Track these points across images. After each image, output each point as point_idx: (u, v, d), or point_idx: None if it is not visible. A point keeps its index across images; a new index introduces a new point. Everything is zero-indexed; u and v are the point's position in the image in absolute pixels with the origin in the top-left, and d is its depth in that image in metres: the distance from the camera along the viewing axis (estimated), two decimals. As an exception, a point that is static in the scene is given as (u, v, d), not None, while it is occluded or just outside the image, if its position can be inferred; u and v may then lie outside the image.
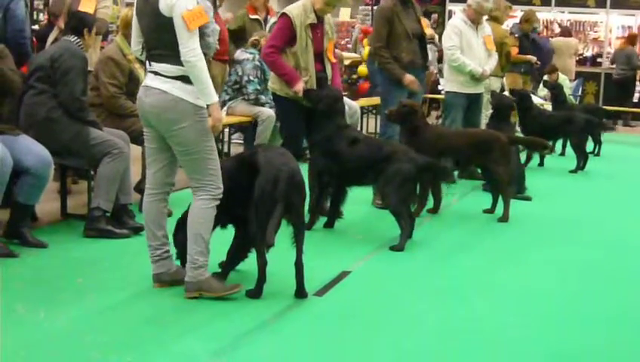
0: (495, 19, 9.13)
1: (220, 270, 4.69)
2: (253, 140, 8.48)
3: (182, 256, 4.64)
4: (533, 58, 11.20)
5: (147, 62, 4.46)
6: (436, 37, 11.79)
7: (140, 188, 6.07)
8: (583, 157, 9.54)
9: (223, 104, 8.45)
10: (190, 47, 4.19)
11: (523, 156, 8.94)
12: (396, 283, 5.01)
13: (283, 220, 4.42)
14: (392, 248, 5.65)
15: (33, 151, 5.25)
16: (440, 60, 12.84)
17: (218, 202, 4.41)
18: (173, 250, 4.68)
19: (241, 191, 4.49)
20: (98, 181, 5.65)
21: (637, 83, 15.75)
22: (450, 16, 15.37)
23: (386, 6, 7.20)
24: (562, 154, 10.72)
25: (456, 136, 7.25)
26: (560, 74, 12.54)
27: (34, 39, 6.95)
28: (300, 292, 4.51)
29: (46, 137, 5.47)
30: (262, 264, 4.38)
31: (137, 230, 5.63)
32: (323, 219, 6.21)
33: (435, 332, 4.17)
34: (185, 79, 4.26)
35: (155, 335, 3.93)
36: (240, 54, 8.63)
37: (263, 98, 8.46)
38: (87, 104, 5.86)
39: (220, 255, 4.71)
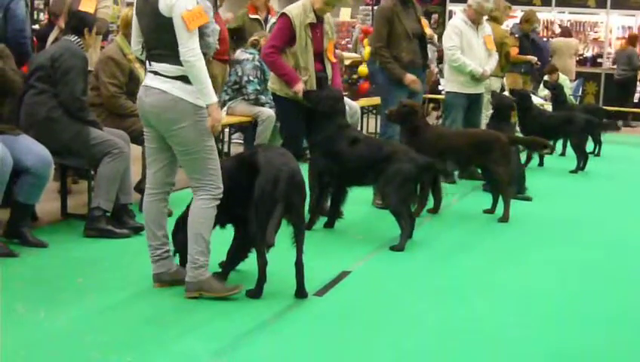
0: (494, 20, 9.13)
1: (220, 270, 4.69)
2: (253, 140, 8.47)
3: (181, 255, 4.64)
4: (533, 58, 11.20)
5: (147, 62, 4.47)
6: (435, 37, 11.78)
7: (140, 187, 6.07)
8: (583, 158, 9.54)
9: (223, 104, 8.46)
10: (189, 47, 4.19)
11: (523, 156, 8.95)
12: (396, 283, 5.01)
13: (283, 220, 4.42)
14: (393, 248, 5.65)
15: (33, 150, 5.25)
16: (440, 60, 12.84)
17: (218, 202, 4.41)
18: (172, 250, 4.68)
19: (240, 191, 4.49)
20: (98, 181, 5.65)
21: (638, 83, 15.74)
22: (450, 17, 15.36)
23: (386, 6, 7.21)
24: (562, 154, 10.72)
25: (457, 136, 7.25)
26: (560, 74, 12.53)
27: (34, 39, 6.95)
28: (300, 292, 4.51)
29: (46, 137, 5.47)
30: (262, 264, 4.39)
31: (137, 230, 5.63)
32: (323, 219, 6.21)
33: (435, 332, 4.17)
34: (185, 79, 4.26)
35: (155, 335, 3.93)
36: (240, 54, 8.63)
37: (262, 98, 8.45)
38: (88, 104, 5.86)
39: (221, 255, 4.71)
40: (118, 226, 5.69)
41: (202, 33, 4.33)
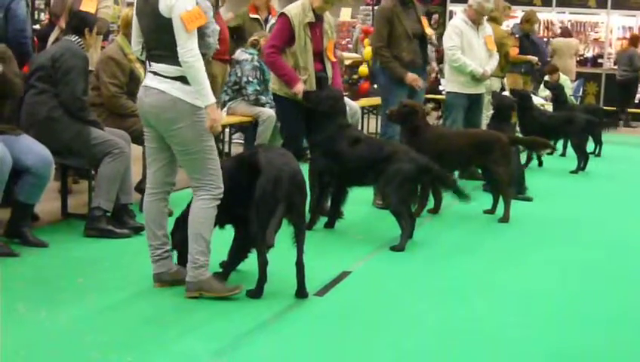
0: (494, 20, 9.12)
1: (221, 270, 4.69)
2: (253, 140, 8.47)
3: (179, 254, 4.64)
4: (534, 58, 11.20)
5: (147, 62, 4.47)
6: (433, 36, 11.78)
7: (140, 187, 6.07)
8: (583, 158, 9.54)
9: (223, 104, 8.47)
10: (188, 48, 4.19)
11: (523, 157, 8.95)
12: (396, 283, 5.01)
13: (284, 220, 4.42)
14: (393, 248, 5.65)
15: (34, 150, 5.25)
16: (441, 61, 12.83)
17: (219, 202, 4.42)
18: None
19: (241, 192, 4.49)
20: (99, 181, 5.65)
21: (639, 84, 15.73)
22: (451, 17, 15.36)
23: (387, 6, 7.22)
24: (563, 154, 10.71)
25: (457, 136, 7.25)
26: (561, 74, 12.53)
27: (35, 39, 6.95)
28: (301, 292, 4.51)
29: (47, 137, 5.48)
30: (262, 264, 4.39)
31: (138, 230, 5.63)
32: (324, 219, 6.21)
33: (435, 332, 4.17)
34: (184, 80, 4.27)
35: (155, 335, 3.93)
36: (239, 54, 8.63)
37: (263, 98, 8.45)
38: (88, 104, 5.86)
39: (221, 255, 4.71)
40: (119, 226, 5.70)
41: (202, 33, 4.34)
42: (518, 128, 9.71)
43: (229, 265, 4.70)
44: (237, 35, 9.42)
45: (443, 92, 10.67)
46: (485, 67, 8.20)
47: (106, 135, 5.73)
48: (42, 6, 12.64)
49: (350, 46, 15.90)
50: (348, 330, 4.14)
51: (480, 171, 7.63)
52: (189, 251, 4.39)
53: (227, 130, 8.71)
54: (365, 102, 11.12)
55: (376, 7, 11.11)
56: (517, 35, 11.15)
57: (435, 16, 16.63)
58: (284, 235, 4.44)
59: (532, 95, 10.28)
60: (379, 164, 5.85)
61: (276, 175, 4.35)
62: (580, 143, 9.60)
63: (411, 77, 7.09)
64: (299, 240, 4.46)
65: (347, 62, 12.14)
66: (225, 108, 8.43)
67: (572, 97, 13.05)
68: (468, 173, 8.23)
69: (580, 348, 4.07)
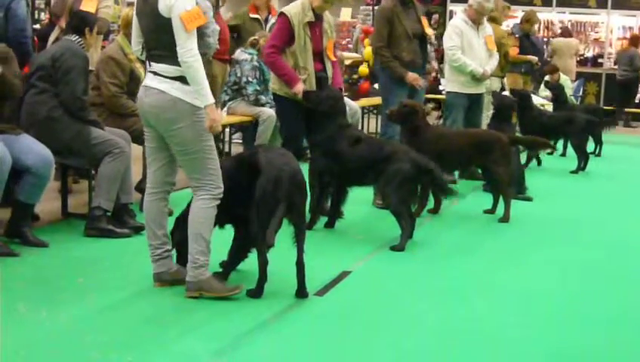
0: (493, 20, 9.12)
1: (221, 270, 4.69)
2: (253, 140, 8.47)
3: (179, 253, 4.64)
4: (534, 58, 11.20)
5: (147, 62, 4.47)
6: (432, 36, 11.79)
7: (140, 187, 6.07)
8: (583, 158, 9.54)
9: (223, 104, 8.47)
10: (187, 48, 4.19)
11: (523, 157, 8.94)
12: (396, 283, 5.01)
13: (284, 220, 4.42)
14: (393, 248, 5.65)
15: (34, 150, 5.25)
16: (441, 61, 12.84)
17: (218, 201, 4.42)
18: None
19: (240, 192, 4.49)
20: (99, 180, 5.66)
21: (640, 84, 15.73)
22: (451, 17, 15.36)
23: (387, 6, 7.23)
24: (563, 154, 10.71)
25: (457, 136, 7.25)
26: (562, 74, 12.53)
27: (35, 38, 6.95)
28: (301, 292, 4.51)
29: (47, 136, 5.48)
30: (263, 263, 4.39)
31: (138, 229, 5.63)
32: (324, 219, 6.21)
33: (435, 332, 4.17)
34: (183, 80, 4.27)
35: (155, 334, 3.94)
36: (239, 54, 8.63)
37: (263, 98, 8.45)
38: (89, 103, 5.87)
39: (221, 254, 4.71)
40: (119, 226, 5.70)
41: (202, 33, 4.34)
42: (518, 128, 9.72)
43: (229, 265, 4.70)
44: (237, 34, 9.41)
45: (443, 92, 10.67)
46: (485, 67, 8.20)
47: (106, 135, 5.73)
48: (42, 5, 12.64)
49: (350, 46, 15.89)
50: (348, 330, 4.14)
51: (480, 171, 7.63)
52: (189, 251, 4.39)
53: (227, 129, 8.72)
54: (365, 102, 11.12)
55: (376, 7, 11.11)
56: (517, 35, 11.15)
57: (436, 16, 16.63)
58: (284, 235, 4.44)
59: (532, 95, 10.28)
60: (379, 164, 5.85)
61: (276, 175, 4.35)
62: (580, 143, 9.59)
63: (412, 76, 7.10)
64: (299, 240, 4.46)
65: (347, 62, 12.15)
66: (225, 108, 8.43)
67: (572, 97, 13.05)
68: (468, 173, 8.24)
69: (580, 348, 4.07)
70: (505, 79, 10.10)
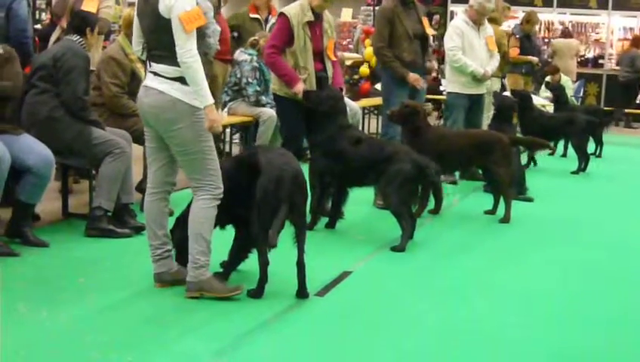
0: (493, 20, 9.12)
1: (221, 270, 4.69)
2: (253, 140, 8.47)
3: (178, 253, 4.64)
4: (534, 59, 11.20)
5: (147, 62, 4.47)
6: (430, 36, 11.79)
7: (141, 187, 6.07)
8: (584, 159, 9.53)
9: (223, 105, 8.47)
10: (187, 49, 4.19)
11: (524, 157, 8.94)
12: (397, 283, 5.01)
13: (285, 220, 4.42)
14: (393, 248, 5.65)
15: (35, 150, 5.26)
16: (442, 61, 12.84)
17: (219, 202, 4.42)
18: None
19: (240, 192, 4.49)
20: (100, 180, 5.66)
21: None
22: (452, 17, 15.35)
23: (387, 7, 7.24)
24: (564, 155, 10.70)
25: (458, 137, 7.25)
26: (563, 75, 12.52)
27: (36, 39, 6.95)
28: (302, 292, 4.51)
29: (48, 136, 5.48)
30: (263, 264, 4.39)
31: (139, 229, 5.63)
32: (324, 220, 6.21)
33: (435, 332, 4.17)
34: (183, 80, 4.27)
35: (155, 334, 3.94)
36: (239, 55, 8.62)
37: (263, 99, 8.45)
38: (89, 103, 5.87)
39: (222, 255, 4.71)
40: (120, 226, 5.70)
41: (203, 34, 4.34)
42: (518, 129, 9.72)
43: (230, 265, 4.70)
44: (237, 33, 9.39)
45: (444, 92, 10.66)
46: (486, 67, 8.20)
47: (107, 135, 5.74)
48: (43, 6, 12.63)
49: (351, 46, 15.89)
50: (348, 330, 4.14)
51: (481, 172, 7.63)
52: (190, 251, 4.39)
53: (228, 130, 8.72)
54: (366, 102, 11.13)
55: (377, 8, 11.12)
56: (518, 36, 11.15)
57: (436, 17, 16.63)
58: (285, 235, 4.44)
59: (533, 96, 10.27)
60: (380, 165, 5.85)
61: (277, 175, 4.35)
62: (580, 144, 9.58)
63: (413, 77, 7.11)
64: (300, 241, 4.47)
65: (348, 63, 12.15)
66: (225, 109, 8.43)
67: (573, 98, 13.04)
68: (469, 174, 8.23)
69: (580, 348, 4.07)
70: (505, 80, 10.09)
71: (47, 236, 5.44)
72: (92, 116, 5.78)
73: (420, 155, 5.92)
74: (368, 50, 11.77)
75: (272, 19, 9.09)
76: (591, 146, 10.04)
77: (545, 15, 16.36)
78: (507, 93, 9.44)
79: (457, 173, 8.20)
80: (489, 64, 8.29)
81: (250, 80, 8.45)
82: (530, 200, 7.58)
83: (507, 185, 6.84)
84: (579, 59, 15.51)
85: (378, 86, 10.45)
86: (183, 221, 4.55)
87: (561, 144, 10.66)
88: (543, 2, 16.74)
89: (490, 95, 8.55)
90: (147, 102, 4.39)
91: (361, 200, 6.60)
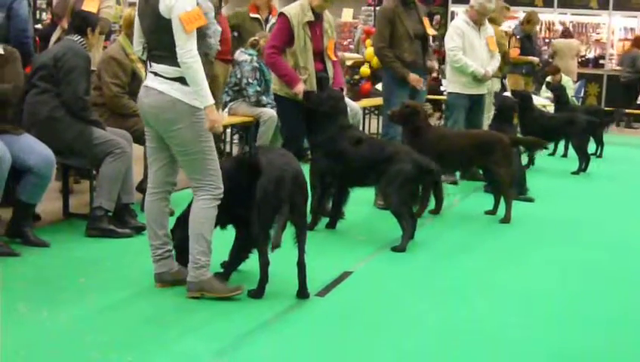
0: (492, 21, 9.12)
1: (222, 270, 4.69)
2: (254, 140, 8.47)
3: (179, 253, 4.64)
4: (535, 59, 11.20)
5: (148, 62, 4.48)
6: (430, 36, 11.79)
7: (142, 187, 6.07)
8: (584, 159, 9.53)
9: (224, 105, 8.46)
10: (187, 49, 4.19)
11: (524, 157, 8.94)
12: (398, 283, 5.01)
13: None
14: (394, 249, 5.65)
15: (36, 150, 5.26)
16: (442, 62, 12.84)
17: (219, 202, 4.42)
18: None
19: (241, 192, 4.49)
20: (100, 180, 5.66)
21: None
22: (452, 18, 15.35)
23: (388, 7, 7.24)
24: (564, 155, 10.70)
25: (459, 137, 7.25)
26: (564, 75, 12.52)
27: (37, 39, 6.95)
28: (302, 293, 4.51)
29: (48, 136, 5.48)
30: (264, 264, 4.39)
31: (139, 229, 5.63)
32: (325, 220, 6.20)
33: (436, 332, 4.17)
34: (183, 80, 4.27)
35: (156, 334, 3.94)
36: (239, 55, 8.62)
37: (264, 99, 8.45)
38: (90, 103, 5.87)
39: (222, 255, 4.71)
40: (120, 226, 5.70)
41: (204, 34, 4.34)
42: (519, 129, 9.71)
43: (231, 266, 4.71)
44: (237, 33, 9.37)
45: (444, 92, 10.66)
46: (487, 68, 8.20)
47: (108, 135, 5.74)
48: (44, 6, 12.64)
49: (352, 47, 15.91)
50: (349, 330, 4.14)
51: (481, 172, 7.63)
52: (190, 251, 4.39)
53: (229, 130, 8.71)
54: (367, 102, 11.13)
55: (377, 8, 11.11)
56: (518, 36, 11.14)
57: (437, 17, 16.63)
58: (285, 236, 4.43)
59: (534, 96, 10.27)
60: (380, 165, 5.85)
61: (278, 175, 4.35)
62: (581, 144, 9.58)
63: (414, 78, 7.10)
64: (300, 241, 4.47)
65: (349, 63, 12.16)
66: (226, 109, 8.43)
67: (574, 98, 13.04)
68: (469, 174, 8.23)
69: (580, 348, 4.07)
70: (506, 80, 10.09)
71: (48, 236, 5.44)
72: (93, 116, 5.78)
73: (421, 155, 5.92)
74: (369, 51, 11.77)
75: (273, 19, 9.09)
76: (591, 146, 10.05)
77: (545, 15, 16.36)
78: (507, 94, 9.43)
79: (458, 173, 8.20)
80: (490, 64, 8.28)
81: (250, 80, 8.45)
82: (530, 200, 7.58)
83: (508, 186, 6.84)
84: (579, 60, 15.51)
85: (379, 86, 10.46)
86: (183, 221, 4.56)
87: (561, 144, 10.66)
88: (543, 2, 16.74)
89: (490, 95, 8.54)
90: (147, 102, 4.39)
91: (361, 200, 6.60)
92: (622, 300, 4.87)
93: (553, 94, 11.32)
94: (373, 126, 11.35)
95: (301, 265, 4.47)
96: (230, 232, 4.76)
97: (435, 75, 12.73)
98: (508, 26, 11.61)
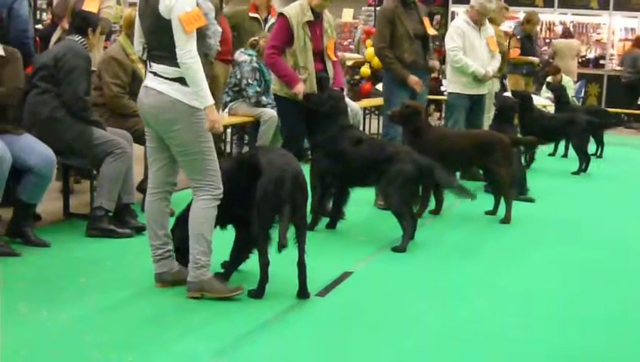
0: (491, 21, 9.11)
1: (222, 270, 4.70)
2: (254, 141, 8.47)
3: (179, 253, 4.64)
4: (535, 59, 11.19)
5: (148, 62, 4.48)
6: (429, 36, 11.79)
7: (142, 187, 6.07)
8: (585, 159, 9.53)
9: (224, 105, 8.47)
10: (187, 50, 4.19)
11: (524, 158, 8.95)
12: (398, 283, 5.01)
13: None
14: (394, 249, 5.65)
15: (36, 150, 5.26)
16: (443, 62, 12.84)
17: (219, 202, 4.42)
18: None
19: (240, 192, 4.50)
20: (101, 180, 5.66)
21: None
22: (452, 18, 15.35)
23: (388, 7, 7.24)
24: (565, 155, 10.71)
25: (459, 137, 7.25)
26: (564, 75, 12.52)
27: (37, 39, 6.95)
28: (302, 293, 4.51)
29: (49, 136, 5.48)
30: (264, 264, 4.39)
31: (140, 229, 5.64)
32: (325, 220, 6.21)
33: (436, 332, 4.17)
34: (183, 81, 4.27)
35: (156, 334, 3.94)
36: (239, 55, 8.62)
37: (264, 100, 8.45)
38: (91, 104, 5.87)
39: (223, 255, 4.72)
40: (121, 226, 5.70)
41: (204, 35, 4.34)
42: (519, 129, 9.71)
43: (231, 266, 4.71)
44: (237, 32, 9.36)
45: (445, 93, 10.66)
46: (487, 68, 8.20)
47: (108, 135, 5.74)
48: (44, 6, 12.64)
49: (352, 47, 15.92)
50: (349, 331, 4.14)
51: (481, 172, 7.63)
52: (191, 251, 4.39)
53: (229, 130, 8.71)
54: (367, 102, 11.13)
55: (378, 8, 11.12)
56: (518, 37, 11.14)
57: (437, 17, 16.63)
58: (285, 236, 4.45)
59: (534, 96, 10.27)
60: (381, 165, 5.85)
61: (278, 175, 4.35)
62: (581, 144, 9.58)
63: (413, 80, 7.10)
64: (300, 241, 4.47)
65: (349, 63, 12.16)
66: (226, 110, 8.43)
67: (574, 98, 13.04)
68: (469, 174, 8.23)
69: (581, 348, 4.07)
70: (506, 80, 10.08)
71: (48, 236, 5.44)
72: (93, 116, 5.79)
73: (421, 156, 5.92)
74: (369, 51, 11.78)
75: (272, 19, 9.08)
76: (592, 147, 10.05)
77: (546, 15, 16.36)
78: (508, 94, 9.43)
79: (458, 174, 8.19)
80: (490, 64, 8.28)
81: (250, 81, 8.45)
82: (531, 200, 7.58)
83: (508, 186, 6.84)
84: (580, 60, 15.50)
85: (379, 86, 10.47)
86: (183, 221, 4.56)
87: (562, 144, 10.66)
88: (544, 2, 16.74)
89: (491, 96, 8.54)
90: (147, 102, 4.39)
91: (362, 200, 6.60)
92: (622, 300, 4.87)
93: (553, 94, 11.32)
94: (374, 126, 11.35)
95: (301, 265, 4.47)
96: (230, 232, 4.76)
97: (435, 75, 12.75)
98: (508, 26, 11.60)
